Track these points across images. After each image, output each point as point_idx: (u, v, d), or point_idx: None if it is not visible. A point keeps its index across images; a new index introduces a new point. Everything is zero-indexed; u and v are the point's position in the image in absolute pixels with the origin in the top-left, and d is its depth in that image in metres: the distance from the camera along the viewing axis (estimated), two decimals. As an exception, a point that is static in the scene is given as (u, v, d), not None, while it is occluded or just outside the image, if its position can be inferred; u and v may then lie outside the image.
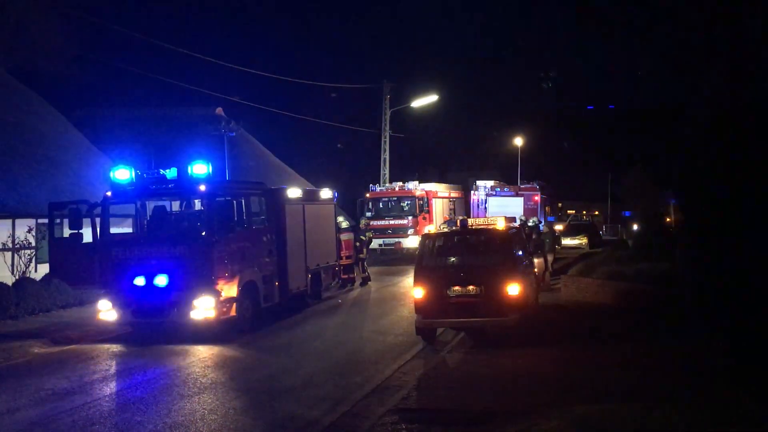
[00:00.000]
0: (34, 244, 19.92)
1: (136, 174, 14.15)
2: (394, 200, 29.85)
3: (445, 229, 14.70)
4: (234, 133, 33.42)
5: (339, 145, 59.44)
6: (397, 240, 28.93)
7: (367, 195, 30.22)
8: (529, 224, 20.93)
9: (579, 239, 38.77)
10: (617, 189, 69.82)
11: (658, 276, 15.84)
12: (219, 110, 39.37)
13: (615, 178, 70.41)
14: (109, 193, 14.21)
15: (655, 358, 10.86)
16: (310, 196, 18.98)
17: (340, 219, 22.61)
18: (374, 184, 31.95)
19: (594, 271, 18.75)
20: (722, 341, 9.93)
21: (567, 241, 38.04)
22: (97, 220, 14.19)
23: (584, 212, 71.92)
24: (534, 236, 19.34)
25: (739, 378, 9.05)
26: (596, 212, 75.55)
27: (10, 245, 19.93)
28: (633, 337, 12.52)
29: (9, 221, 20.38)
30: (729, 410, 7.95)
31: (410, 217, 29.10)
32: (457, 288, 12.12)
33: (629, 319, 14.28)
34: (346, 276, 21.22)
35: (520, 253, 13.53)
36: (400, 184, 30.78)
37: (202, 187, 13.66)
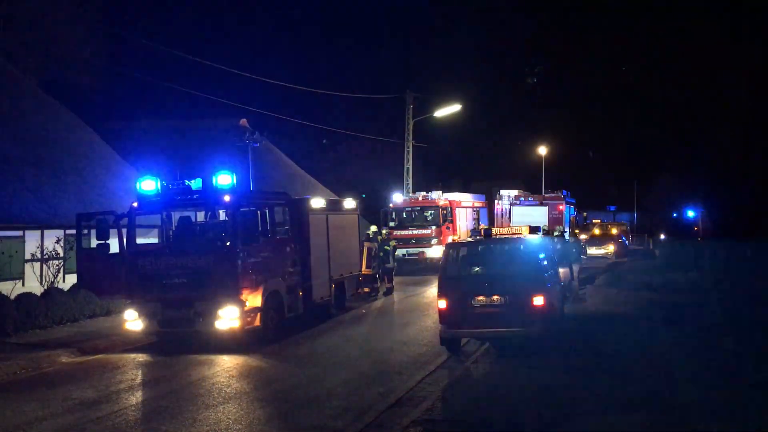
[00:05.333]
0: (62, 254, 20.19)
1: (162, 185, 14.30)
2: (418, 210, 29.79)
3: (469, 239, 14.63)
4: (258, 144, 33.60)
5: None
6: (420, 250, 28.85)
7: (391, 205, 30.25)
8: (555, 234, 20.79)
9: (605, 248, 38.35)
10: (645, 198, 69.08)
11: (687, 286, 15.62)
12: (243, 121, 39.66)
13: (642, 187, 69.68)
14: (135, 204, 14.37)
15: (682, 370, 10.67)
16: (334, 206, 19.01)
17: (374, 228, 22.56)
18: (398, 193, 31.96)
19: (620, 281, 18.54)
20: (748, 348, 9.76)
21: (593, 251, 37.66)
22: (124, 231, 14.33)
23: (610, 222, 71.20)
24: (559, 246, 19.20)
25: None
26: (622, 222, 74.73)
27: (39, 256, 20.22)
28: (659, 349, 12.31)
29: (38, 232, 20.69)
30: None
31: (434, 227, 29.02)
32: (481, 298, 12.02)
33: (655, 330, 14.05)
34: (369, 286, 21.17)
35: (545, 262, 13.41)
36: (424, 193, 30.72)
37: (227, 198, 13.76)
